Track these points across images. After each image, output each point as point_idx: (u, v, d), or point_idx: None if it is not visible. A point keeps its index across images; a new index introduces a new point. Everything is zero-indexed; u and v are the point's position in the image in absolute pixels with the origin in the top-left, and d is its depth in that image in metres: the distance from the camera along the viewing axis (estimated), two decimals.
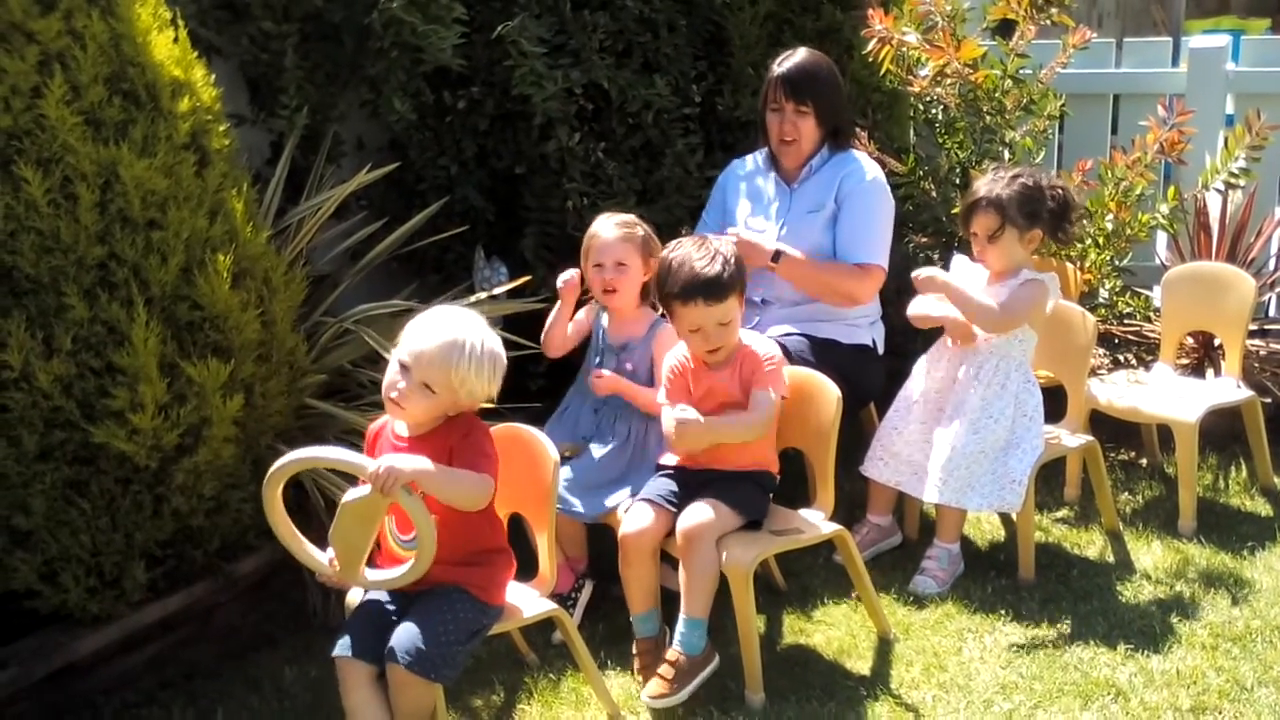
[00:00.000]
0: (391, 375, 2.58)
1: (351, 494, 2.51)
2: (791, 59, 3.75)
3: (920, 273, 3.49)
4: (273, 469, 2.53)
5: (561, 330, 3.52)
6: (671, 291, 3.03)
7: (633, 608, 3.12)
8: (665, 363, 3.22)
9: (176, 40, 3.10)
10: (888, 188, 3.82)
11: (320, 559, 2.61)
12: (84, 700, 3.02)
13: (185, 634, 3.20)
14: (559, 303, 3.49)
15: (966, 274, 3.58)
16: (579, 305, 3.53)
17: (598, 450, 3.37)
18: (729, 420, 3.07)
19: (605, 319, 3.48)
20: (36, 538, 2.91)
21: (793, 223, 3.75)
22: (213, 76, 3.21)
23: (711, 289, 2.99)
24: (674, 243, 3.17)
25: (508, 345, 3.58)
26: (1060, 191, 3.50)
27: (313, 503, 3.23)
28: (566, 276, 3.45)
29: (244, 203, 3.18)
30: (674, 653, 2.99)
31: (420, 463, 2.47)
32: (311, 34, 3.85)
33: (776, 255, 3.64)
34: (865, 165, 3.80)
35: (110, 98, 2.89)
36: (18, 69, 2.75)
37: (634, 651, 3.11)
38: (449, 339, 2.54)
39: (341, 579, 2.61)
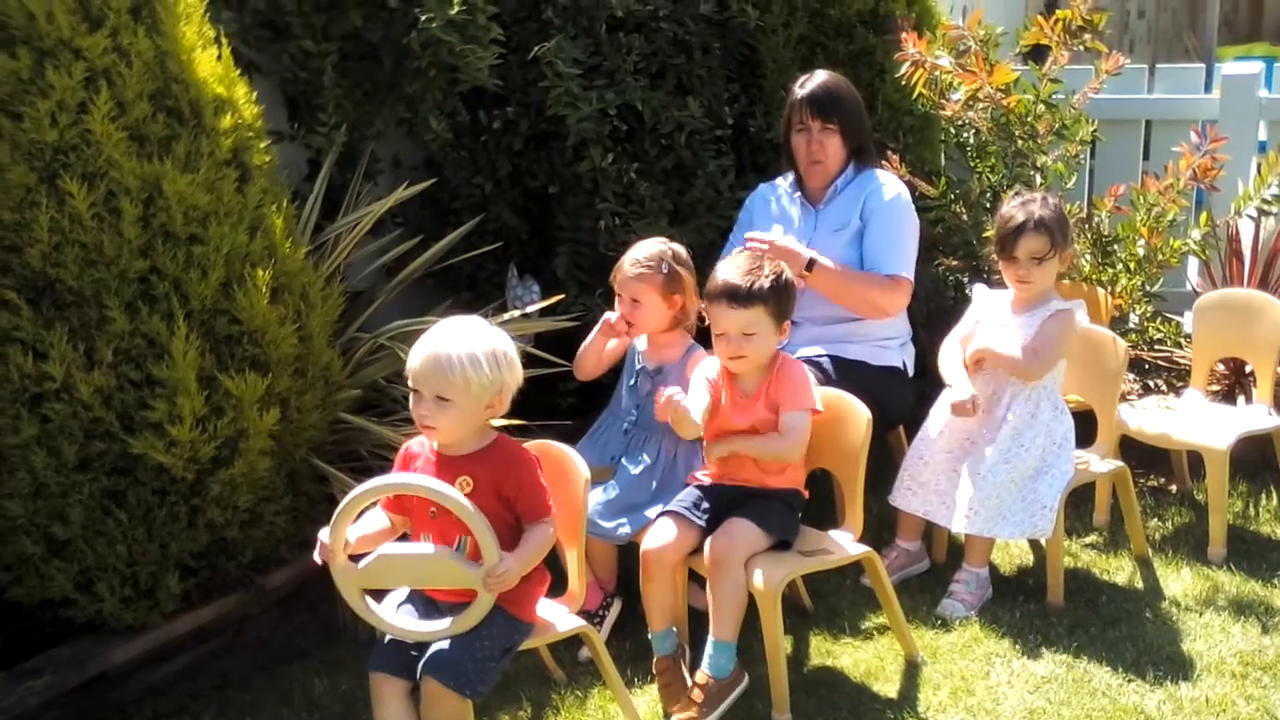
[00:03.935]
0: (413, 403, 2.62)
1: (449, 553, 2.56)
2: (812, 80, 3.79)
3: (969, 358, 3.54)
4: (383, 483, 2.57)
5: (593, 358, 3.53)
6: (707, 288, 3.14)
7: (651, 625, 3.12)
8: (697, 374, 3.21)
9: (220, 58, 3.15)
10: (911, 203, 3.84)
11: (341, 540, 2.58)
12: (116, 709, 3.05)
13: (217, 645, 3.23)
14: (595, 331, 3.50)
15: (988, 303, 3.59)
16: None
17: (627, 474, 3.38)
18: (759, 441, 3.12)
19: (641, 342, 3.50)
20: (73, 547, 2.95)
21: (819, 243, 3.76)
22: (254, 94, 3.26)
23: (737, 294, 3.04)
24: (736, 251, 3.25)
25: (539, 363, 3.66)
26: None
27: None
28: (611, 317, 3.44)
29: (283, 219, 3.23)
30: (703, 675, 3.00)
31: (525, 565, 2.59)
32: (350, 53, 3.89)
33: (810, 264, 3.64)
34: (888, 182, 3.82)
35: (154, 114, 2.95)
36: (65, 84, 2.80)
37: (654, 670, 3.12)
38: (432, 348, 2.57)
39: (334, 567, 2.57)
